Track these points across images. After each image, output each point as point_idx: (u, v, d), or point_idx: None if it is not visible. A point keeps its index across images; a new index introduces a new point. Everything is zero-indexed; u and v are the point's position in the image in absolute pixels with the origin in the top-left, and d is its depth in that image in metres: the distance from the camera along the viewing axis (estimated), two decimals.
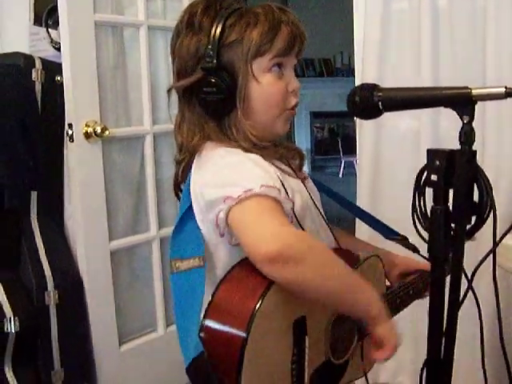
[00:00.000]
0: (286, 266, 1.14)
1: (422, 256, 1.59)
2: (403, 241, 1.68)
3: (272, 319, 1.19)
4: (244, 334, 1.13)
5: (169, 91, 1.47)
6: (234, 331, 1.15)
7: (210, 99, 1.37)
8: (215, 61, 1.34)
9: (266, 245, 1.14)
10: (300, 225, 1.36)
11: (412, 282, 1.64)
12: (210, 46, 1.35)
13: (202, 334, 1.19)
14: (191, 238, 1.35)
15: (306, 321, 1.27)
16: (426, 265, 1.65)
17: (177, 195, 1.50)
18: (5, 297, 2.47)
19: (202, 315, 1.21)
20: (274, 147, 1.45)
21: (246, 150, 1.36)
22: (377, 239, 1.76)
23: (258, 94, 1.38)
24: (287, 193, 1.32)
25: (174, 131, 1.47)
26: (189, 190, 1.38)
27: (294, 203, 1.34)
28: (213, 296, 1.22)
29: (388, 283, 1.66)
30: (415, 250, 1.64)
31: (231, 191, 1.22)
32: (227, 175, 1.30)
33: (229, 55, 1.36)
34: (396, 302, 1.57)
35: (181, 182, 1.47)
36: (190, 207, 1.37)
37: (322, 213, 1.52)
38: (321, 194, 1.61)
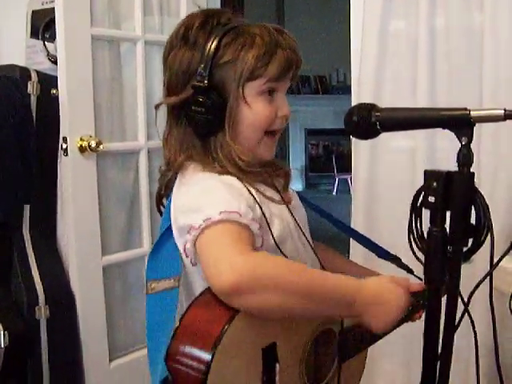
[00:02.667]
0: (247, 297, 1.11)
1: (415, 276, 1.57)
2: (396, 261, 1.66)
3: (240, 344, 1.17)
4: (209, 357, 1.10)
5: (157, 107, 1.46)
6: (199, 354, 1.12)
7: (198, 118, 1.34)
8: (206, 80, 1.32)
9: (222, 279, 1.11)
10: (279, 248, 1.33)
11: None
12: (202, 64, 1.32)
13: (167, 357, 1.17)
14: (168, 257, 1.33)
15: (276, 347, 1.24)
16: (418, 286, 1.64)
17: (159, 210, 1.48)
18: None
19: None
20: (258, 170, 1.41)
21: (224, 173, 1.34)
22: (372, 259, 1.75)
23: (247, 118, 1.36)
24: (264, 215, 1.30)
25: (163, 145, 1.45)
26: (169, 209, 1.37)
27: (271, 231, 1.31)
28: (181, 319, 1.20)
29: None
30: (409, 270, 1.62)
31: (194, 220, 1.20)
32: (192, 202, 1.29)
33: (221, 75, 1.34)
34: None
35: (163, 196, 1.46)
36: (170, 227, 1.35)
37: (307, 235, 1.49)
38: (311, 212, 1.59)
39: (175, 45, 1.39)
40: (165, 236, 1.35)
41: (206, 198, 1.27)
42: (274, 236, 1.33)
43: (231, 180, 1.33)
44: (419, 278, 1.59)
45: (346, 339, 1.39)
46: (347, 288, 1.24)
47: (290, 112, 1.44)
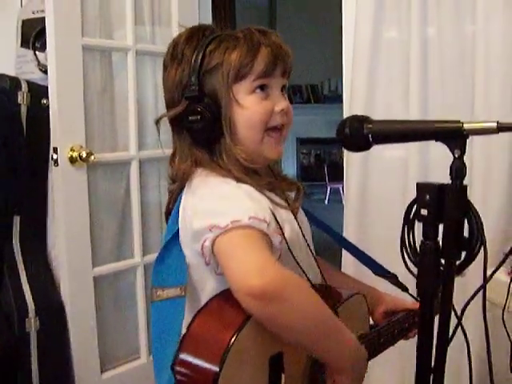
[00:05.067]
0: (267, 304, 1.12)
1: (410, 295, 1.57)
2: (392, 278, 1.66)
3: (247, 354, 1.16)
4: (217, 369, 1.10)
5: (157, 122, 1.46)
6: (207, 365, 1.12)
7: (196, 127, 1.35)
8: (197, 88, 1.34)
9: (250, 280, 1.12)
10: (292, 254, 1.33)
11: (397, 322, 1.62)
12: (191, 75, 1.35)
13: (175, 367, 1.16)
14: (174, 266, 1.33)
15: (282, 357, 1.24)
16: (413, 304, 1.63)
17: (167, 222, 1.47)
18: None
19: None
20: (267, 177, 1.43)
21: (238, 180, 1.34)
22: (363, 273, 1.74)
23: (242, 118, 1.37)
24: (279, 223, 1.30)
25: (168, 163, 1.45)
26: (177, 216, 1.36)
27: (283, 236, 1.31)
28: (188, 327, 1.19)
29: (372, 322, 1.64)
30: (404, 288, 1.62)
31: (219, 221, 1.20)
32: (216, 205, 1.28)
33: (211, 81, 1.36)
34: (379, 341, 1.55)
35: (171, 210, 1.44)
36: (177, 233, 1.35)
37: (311, 246, 1.50)
38: (310, 223, 1.58)
39: (167, 64, 1.42)
40: (171, 243, 1.35)
41: (231, 202, 1.28)
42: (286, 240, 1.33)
43: (249, 189, 1.33)
44: (414, 297, 1.59)
45: None
46: (349, 344, 1.28)
47: (290, 107, 1.43)
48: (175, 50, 1.40)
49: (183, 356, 1.16)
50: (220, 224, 1.19)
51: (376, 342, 1.53)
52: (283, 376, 1.24)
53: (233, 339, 1.12)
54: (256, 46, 1.35)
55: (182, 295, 1.28)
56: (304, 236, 1.46)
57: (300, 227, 1.45)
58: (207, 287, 1.34)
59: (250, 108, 1.36)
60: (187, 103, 1.36)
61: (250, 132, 1.38)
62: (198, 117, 1.35)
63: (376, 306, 1.69)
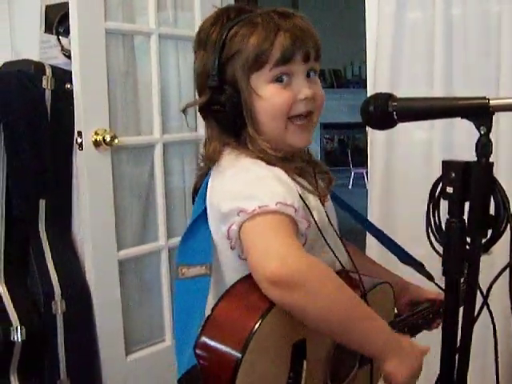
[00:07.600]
0: (287, 291, 1.11)
1: (436, 284, 1.55)
2: (418, 267, 1.64)
3: (270, 340, 1.15)
4: (239, 355, 1.09)
5: (184, 111, 1.45)
6: (229, 351, 1.12)
7: (219, 117, 1.34)
8: (217, 78, 1.32)
9: (270, 266, 1.11)
10: (325, 239, 1.33)
11: (422, 312, 1.59)
12: (213, 62, 1.32)
13: (197, 350, 1.16)
14: (200, 244, 1.32)
15: (305, 344, 1.23)
16: (437, 294, 1.61)
17: (194, 202, 1.46)
18: (12, 306, 2.46)
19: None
20: (298, 162, 1.41)
21: (269, 163, 1.32)
22: (387, 259, 1.73)
23: (262, 109, 1.34)
24: (309, 209, 1.30)
25: (203, 145, 1.44)
26: (205, 194, 1.35)
27: (314, 221, 1.30)
28: (212, 310, 1.19)
29: (396, 311, 1.62)
30: (430, 277, 1.60)
31: (246, 205, 1.19)
32: (245, 188, 1.26)
33: (232, 69, 1.33)
34: (404, 330, 1.52)
35: (199, 189, 1.43)
36: (204, 212, 1.34)
37: (338, 233, 1.48)
38: (337, 207, 1.57)
39: (195, 50, 1.40)
40: (198, 222, 1.34)
41: (260, 186, 1.26)
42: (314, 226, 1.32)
43: (279, 172, 1.31)
44: (439, 287, 1.57)
45: None
46: (381, 329, 1.24)
47: (317, 93, 1.38)
48: (200, 35, 1.37)
49: (206, 339, 1.16)
50: (247, 208, 1.19)
51: (400, 331, 1.49)
52: (305, 362, 1.23)
53: (256, 326, 1.11)
54: (274, 32, 1.31)
55: (207, 274, 1.26)
56: (332, 224, 1.44)
57: (327, 215, 1.43)
58: (231, 270, 1.33)
59: (269, 98, 1.33)
60: (211, 92, 1.34)
61: (272, 122, 1.35)
62: (220, 107, 1.33)
63: (400, 295, 1.66)
